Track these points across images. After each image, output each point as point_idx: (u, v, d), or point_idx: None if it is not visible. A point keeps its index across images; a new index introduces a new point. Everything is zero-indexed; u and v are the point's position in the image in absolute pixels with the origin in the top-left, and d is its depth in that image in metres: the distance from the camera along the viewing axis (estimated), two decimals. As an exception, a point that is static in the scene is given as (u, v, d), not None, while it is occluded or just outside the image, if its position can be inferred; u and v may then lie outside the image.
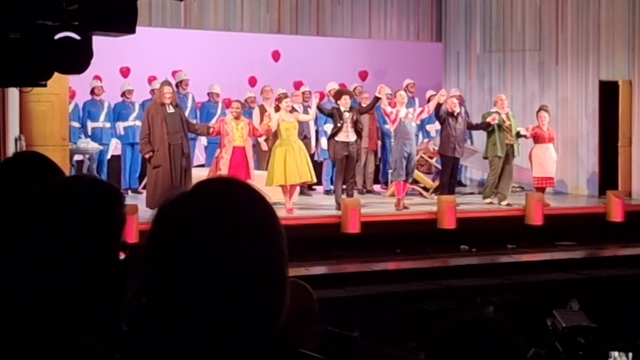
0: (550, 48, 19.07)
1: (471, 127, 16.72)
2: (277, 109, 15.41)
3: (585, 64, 18.51)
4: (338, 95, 15.72)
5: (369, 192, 18.16)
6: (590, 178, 18.35)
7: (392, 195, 16.74)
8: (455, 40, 20.45)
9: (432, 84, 19.80)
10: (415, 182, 17.61)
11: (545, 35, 19.14)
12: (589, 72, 18.46)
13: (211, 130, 15.36)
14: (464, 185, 19.58)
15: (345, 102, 15.32)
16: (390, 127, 16.13)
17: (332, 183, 17.97)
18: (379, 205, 16.27)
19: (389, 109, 15.79)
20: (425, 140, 18.81)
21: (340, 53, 20.73)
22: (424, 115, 16.35)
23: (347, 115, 15.23)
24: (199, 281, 1.69)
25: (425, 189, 17.63)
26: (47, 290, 2.00)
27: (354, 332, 3.79)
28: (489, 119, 16.21)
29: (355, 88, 18.93)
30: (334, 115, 15.34)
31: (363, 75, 21.20)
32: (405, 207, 15.56)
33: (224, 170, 14.70)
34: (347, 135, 15.20)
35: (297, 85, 19.34)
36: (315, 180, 15.66)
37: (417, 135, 18.45)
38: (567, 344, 7.58)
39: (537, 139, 16.45)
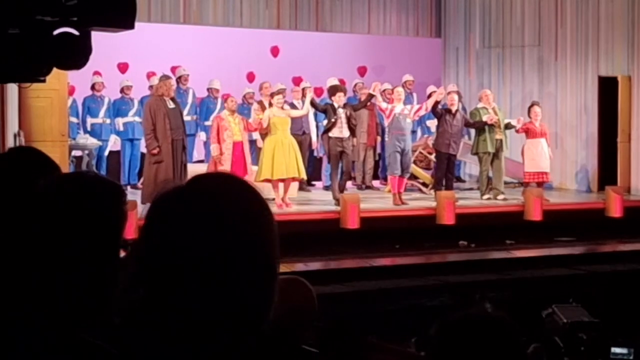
0: (549, 44, 19.07)
1: (468, 124, 16.71)
2: (271, 104, 15.48)
3: (584, 59, 18.51)
4: (332, 91, 15.83)
5: (368, 187, 18.17)
6: (589, 174, 18.35)
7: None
8: (454, 35, 20.44)
9: (432, 80, 19.79)
10: (415, 177, 17.63)
11: (544, 31, 19.13)
12: (588, 67, 18.45)
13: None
14: (463, 181, 19.59)
15: (339, 99, 15.47)
16: (385, 122, 16.19)
17: (331, 179, 17.98)
18: (378, 200, 16.28)
19: (384, 105, 15.91)
20: (425, 136, 18.81)
21: (340, 48, 20.72)
22: (422, 113, 16.43)
23: (341, 111, 15.38)
24: (190, 275, 1.71)
25: (425, 184, 17.62)
26: (48, 287, 2.00)
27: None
28: (485, 118, 16.21)
29: (355, 84, 18.97)
30: (327, 111, 15.49)
31: (362, 71, 21.20)
32: (403, 203, 15.56)
33: (226, 166, 14.70)
34: (341, 131, 15.35)
35: (296, 80, 19.33)
36: (304, 177, 15.64)
37: (415, 132, 18.51)
38: (568, 339, 7.59)
39: (530, 134, 16.55)
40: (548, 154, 16.57)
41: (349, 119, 15.41)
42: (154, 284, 1.72)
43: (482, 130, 16.33)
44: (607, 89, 18.00)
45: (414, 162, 17.46)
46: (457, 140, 16.27)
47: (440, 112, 16.16)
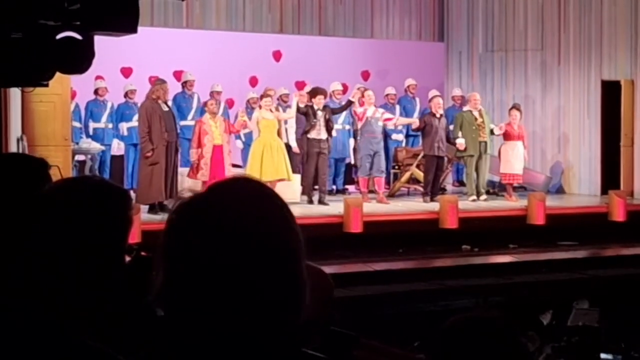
0: (552, 47, 19.06)
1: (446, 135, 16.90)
2: (277, 109, 15.76)
3: (587, 63, 18.50)
4: (313, 94, 16.21)
5: (371, 192, 18.15)
6: (592, 177, 18.34)
7: (394, 194, 16.91)
8: (457, 39, 20.43)
9: (435, 84, 19.78)
10: (417, 181, 17.65)
11: (547, 35, 19.13)
12: (591, 71, 18.45)
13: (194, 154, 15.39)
14: (465, 185, 19.57)
15: (319, 101, 15.91)
16: (358, 125, 16.71)
17: (334, 183, 18.02)
18: (381, 204, 16.26)
19: (359, 110, 16.46)
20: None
21: (342, 53, 20.71)
22: (390, 124, 17.02)
23: (320, 114, 15.86)
24: (216, 281, 1.72)
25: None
26: (52, 291, 2.00)
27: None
28: (457, 144, 16.74)
29: (358, 89, 18.96)
30: (308, 113, 15.88)
31: (365, 75, 21.19)
32: (378, 200, 16.19)
33: (205, 169, 14.86)
34: (319, 132, 15.84)
35: (299, 85, 19.33)
36: (292, 179, 15.75)
37: (417, 136, 18.62)
38: (567, 342, 7.73)
39: (507, 136, 17.02)
40: (523, 157, 16.94)
41: (327, 122, 15.90)
42: (180, 291, 1.74)
43: (466, 134, 16.74)
44: (610, 93, 18.00)
45: (417, 166, 17.49)
46: (443, 142, 16.59)
47: (421, 127, 16.69)
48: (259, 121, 15.28)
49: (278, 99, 17.36)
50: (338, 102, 17.49)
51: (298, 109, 15.94)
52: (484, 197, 16.75)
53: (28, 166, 2.84)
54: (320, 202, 15.79)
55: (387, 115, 16.90)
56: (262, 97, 16.06)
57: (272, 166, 15.08)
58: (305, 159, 16.15)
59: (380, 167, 16.41)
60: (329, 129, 15.99)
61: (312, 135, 15.84)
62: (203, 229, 1.74)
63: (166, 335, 1.77)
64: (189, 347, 1.73)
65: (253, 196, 1.79)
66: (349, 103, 16.46)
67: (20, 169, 2.79)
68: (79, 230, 2.06)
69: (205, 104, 15.79)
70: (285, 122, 16.42)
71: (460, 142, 16.71)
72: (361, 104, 16.55)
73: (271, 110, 15.56)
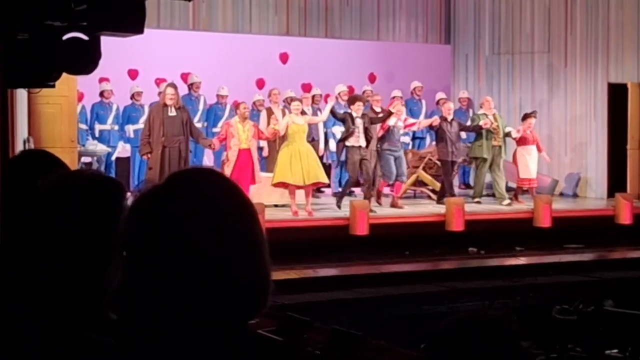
0: (559, 50, 19.05)
1: (463, 128, 16.91)
2: (284, 112, 15.58)
3: (594, 66, 18.49)
4: (352, 100, 15.78)
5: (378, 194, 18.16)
6: (599, 180, 18.32)
7: (400, 197, 16.88)
8: (464, 42, 20.43)
9: (441, 86, 19.79)
10: (424, 184, 17.64)
11: (554, 38, 19.12)
12: (597, 74, 18.43)
13: (212, 145, 15.46)
14: (472, 188, 19.55)
15: (358, 108, 15.41)
16: (379, 133, 16.42)
17: (340, 185, 17.99)
18: (388, 207, 16.26)
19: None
20: (434, 143, 18.79)
21: (349, 55, 20.72)
22: (414, 128, 17.09)
23: (359, 121, 15.36)
24: (176, 270, 1.70)
25: (434, 191, 17.61)
26: (49, 284, 2.00)
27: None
28: (481, 123, 16.57)
29: (364, 92, 18.94)
30: (346, 120, 15.44)
31: (372, 78, 21.19)
32: (400, 207, 16.00)
33: (227, 172, 14.66)
34: (358, 140, 15.31)
35: (306, 87, 19.34)
36: (327, 181, 15.64)
37: (424, 138, 18.61)
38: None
39: (522, 141, 16.96)
40: (537, 159, 16.99)
41: (366, 129, 15.35)
42: (141, 281, 1.73)
43: (480, 136, 16.73)
44: (617, 95, 17.99)
45: (423, 169, 17.48)
46: (457, 146, 16.55)
47: (436, 128, 16.63)
48: (289, 126, 14.87)
49: (284, 101, 17.33)
50: (344, 104, 17.41)
51: (335, 115, 15.64)
52: (506, 202, 16.57)
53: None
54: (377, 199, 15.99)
55: (410, 120, 16.73)
56: (290, 101, 15.81)
57: (301, 171, 14.63)
58: (346, 167, 16.01)
59: (402, 172, 16.16)
60: (367, 138, 15.39)
61: (351, 142, 15.34)
62: (164, 217, 1.73)
63: (123, 336, 1.76)
64: (149, 343, 1.71)
65: (213, 185, 1.78)
66: (389, 113, 15.85)
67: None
68: (73, 222, 2.06)
69: (237, 106, 15.63)
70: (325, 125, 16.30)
71: (487, 120, 16.59)
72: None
73: (301, 114, 15.30)
